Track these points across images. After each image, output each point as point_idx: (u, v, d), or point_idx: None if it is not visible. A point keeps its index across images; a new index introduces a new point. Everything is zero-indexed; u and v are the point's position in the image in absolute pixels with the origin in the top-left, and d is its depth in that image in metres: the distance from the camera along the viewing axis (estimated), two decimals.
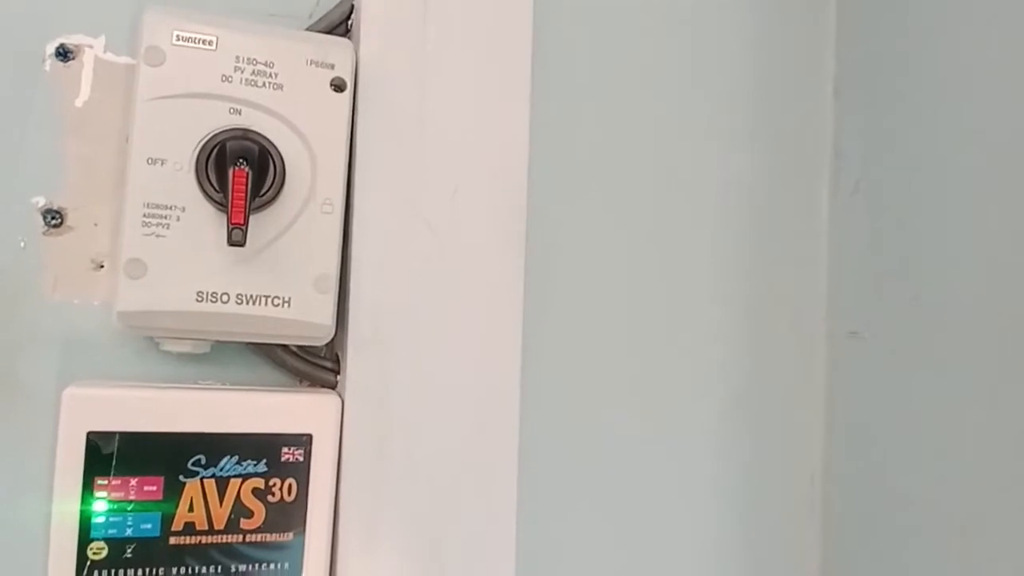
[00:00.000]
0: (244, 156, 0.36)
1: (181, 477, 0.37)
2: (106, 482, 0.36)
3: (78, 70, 0.40)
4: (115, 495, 0.36)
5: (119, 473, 0.36)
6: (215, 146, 0.36)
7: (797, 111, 0.53)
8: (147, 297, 0.36)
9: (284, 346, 0.41)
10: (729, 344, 0.51)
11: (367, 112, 0.41)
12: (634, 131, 0.50)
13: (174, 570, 0.37)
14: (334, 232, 0.39)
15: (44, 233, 0.40)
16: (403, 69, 0.42)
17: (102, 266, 0.40)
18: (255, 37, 0.38)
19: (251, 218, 0.36)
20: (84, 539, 0.36)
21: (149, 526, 0.36)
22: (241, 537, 0.38)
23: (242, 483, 0.38)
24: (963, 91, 0.45)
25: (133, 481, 0.36)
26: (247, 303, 0.37)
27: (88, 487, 0.36)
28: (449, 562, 0.41)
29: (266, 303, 0.37)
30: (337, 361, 0.42)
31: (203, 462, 0.37)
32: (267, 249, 0.38)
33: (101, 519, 0.36)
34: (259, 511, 0.38)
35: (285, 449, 0.39)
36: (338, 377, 0.42)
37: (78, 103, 0.40)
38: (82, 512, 0.36)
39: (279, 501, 0.38)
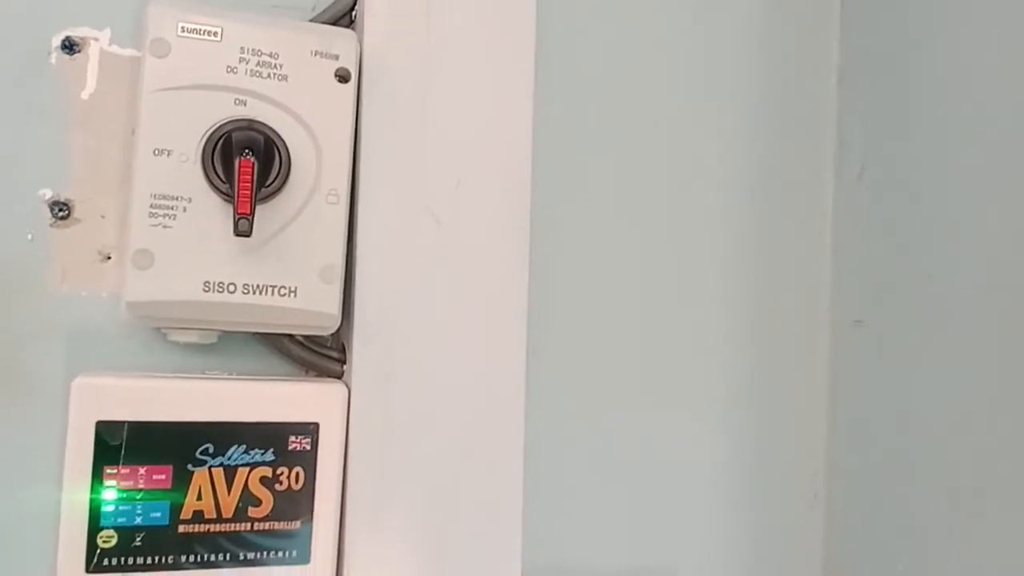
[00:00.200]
0: (250, 147, 0.36)
1: (189, 466, 0.37)
2: (115, 471, 0.36)
3: (84, 63, 0.41)
4: (124, 484, 0.36)
5: (128, 462, 0.36)
6: (221, 137, 0.37)
7: (801, 99, 0.53)
8: (155, 287, 0.36)
9: (290, 336, 0.42)
10: (733, 333, 0.51)
11: (371, 103, 0.41)
12: (637, 121, 0.50)
13: (183, 558, 0.37)
14: (339, 222, 0.39)
15: (51, 225, 0.40)
16: (407, 60, 0.42)
17: (109, 258, 0.40)
18: (260, 28, 0.38)
19: (257, 208, 0.36)
20: (94, 527, 0.36)
21: (158, 514, 0.37)
22: (249, 525, 0.38)
23: (250, 472, 0.38)
24: (967, 78, 0.45)
25: (142, 470, 0.37)
26: (254, 293, 0.37)
27: (98, 476, 0.36)
28: (455, 549, 0.41)
29: (272, 293, 0.38)
30: (343, 351, 0.42)
31: (211, 451, 0.38)
32: (273, 239, 0.38)
33: (111, 507, 0.36)
34: (267, 499, 0.38)
35: (292, 438, 0.39)
36: (344, 367, 0.42)
37: (84, 95, 0.41)
38: (92, 501, 0.36)
39: (287, 489, 0.39)
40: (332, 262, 0.39)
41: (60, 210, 0.40)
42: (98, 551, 0.36)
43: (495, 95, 0.44)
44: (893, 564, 0.47)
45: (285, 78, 0.38)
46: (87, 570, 0.36)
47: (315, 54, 0.39)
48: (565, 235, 0.48)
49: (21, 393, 0.39)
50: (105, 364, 0.40)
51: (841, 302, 0.52)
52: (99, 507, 0.36)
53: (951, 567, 0.43)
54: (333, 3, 0.43)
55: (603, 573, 0.48)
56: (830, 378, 0.52)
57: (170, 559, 0.37)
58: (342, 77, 0.39)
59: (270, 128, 0.37)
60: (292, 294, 0.38)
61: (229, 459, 0.38)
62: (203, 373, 0.41)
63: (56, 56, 0.40)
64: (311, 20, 0.42)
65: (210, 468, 0.37)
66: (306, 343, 0.42)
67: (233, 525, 0.38)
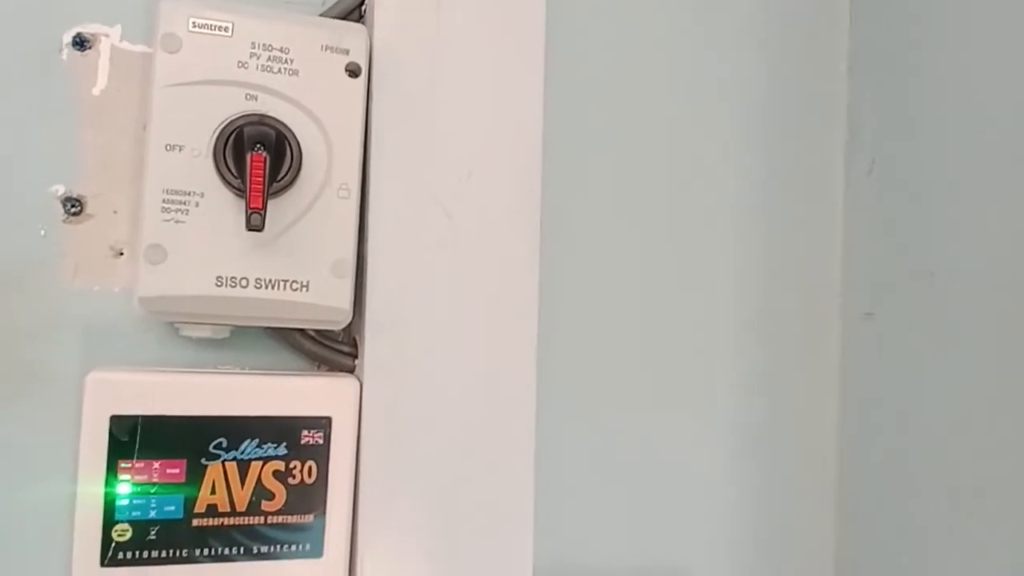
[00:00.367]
0: (261, 141, 0.36)
1: (203, 460, 0.37)
2: (130, 465, 0.36)
3: (95, 59, 0.41)
4: (139, 478, 0.37)
5: (142, 456, 0.37)
6: (232, 132, 0.37)
7: (811, 93, 0.53)
8: (167, 282, 0.36)
9: (302, 331, 0.42)
10: (743, 326, 0.51)
11: (381, 97, 0.41)
12: (645, 116, 0.50)
13: (197, 551, 0.37)
14: (351, 217, 0.39)
15: (64, 221, 0.40)
16: (417, 54, 0.42)
17: (122, 253, 0.41)
18: (270, 23, 0.38)
19: (269, 203, 0.36)
20: (109, 521, 0.36)
21: (172, 508, 0.37)
22: (263, 519, 0.38)
23: (263, 466, 0.38)
24: (978, 72, 0.45)
25: (156, 464, 0.37)
26: (266, 287, 0.37)
27: (112, 470, 0.36)
28: (467, 542, 0.41)
29: (285, 287, 0.38)
30: (354, 345, 0.43)
31: (224, 445, 0.38)
32: (285, 234, 0.38)
33: (125, 501, 0.36)
34: (280, 493, 0.38)
35: (305, 432, 0.39)
36: (355, 361, 0.42)
37: (95, 92, 0.41)
38: (106, 495, 0.36)
39: (299, 483, 0.39)
40: (343, 256, 0.39)
41: (72, 206, 0.40)
42: (113, 544, 0.36)
43: (505, 88, 0.44)
44: (905, 555, 0.47)
45: (296, 73, 0.38)
46: (102, 563, 0.36)
47: (325, 49, 0.39)
48: (571, 230, 0.48)
49: (34, 387, 0.39)
50: (117, 359, 0.40)
51: (851, 295, 0.52)
52: (114, 501, 0.36)
53: (963, 558, 0.43)
54: None
55: (613, 567, 0.48)
56: (840, 370, 0.52)
57: (184, 552, 0.37)
58: (352, 72, 0.39)
59: (281, 123, 0.37)
60: (304, 288, 0.38)
61: (242, 453, 0.38)
62: (215, 368, 0.41)
63: (67, 52, 0.40)
64: (321, 15, 0.42)
65: (223, 462, 0.38)
66: (318, 337, 0.42)
67: (247, 519, 0.38)
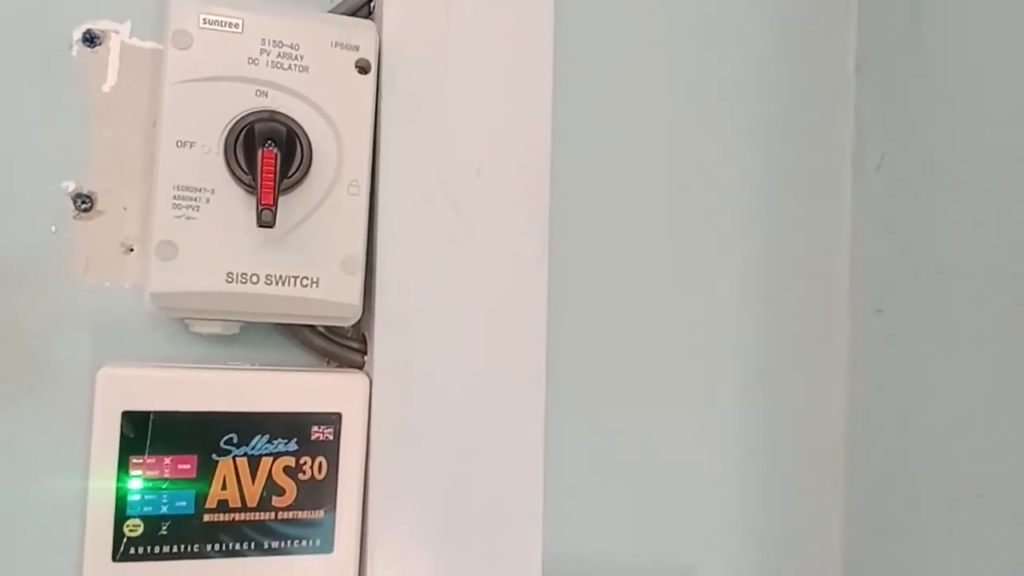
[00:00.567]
0: (272, 138, 0.36)
1: (214, 456, 0.38)
2: (141, 460, 0.37)
3: (105, 55, 0.41)
4: (150, 473, 0.37)
5: (153, 452, 0.37)
6: (243, 128, 0.37)
7: (819, 88, 0.53)
8: (178, 278, 0.37)
9: (311, 327, 0.42)
10: (753, 321, 0.51)
11: (391, 93, 0.41)
12: (653, 112, 0.50)
13: (208, 547, 0.37)
14: (360, 213, 0.39)
15: (74, 217, 0.40)
16: (426, 50, 0.42)
17: (132, 249, 0.41)
18: (280, 19, 0.38)
19: (279, 199, 0.36)
20: (120, 516, 0.36)
21: (184, 503, 0.37)
22: (273, 514, 0.38)
23: (273, 461, 0.38)
24: (987, 66, 0.45)
25: (167, 459, 0.37)
26: (276, 283, 0.38)
27: (124, 466, 0.36)
28: (477, 538, 0.42)
29: (295, 283, 0.38)
30: (364, 341, 0.43)
31: (235, 441, 0.38)
32: (295, 230, 0.38)
33: (137, 497, 0.36)
34: (290, 489, 0.39)
35: (315, 428, 0.39)
36: (365, 357, 0.42)
37: (105, 88, 0.41)
38: (118, 490, 0.36)
39: (310, 479, 0.39)
40: (353, 252, 0.39)
41: (83, 202, 0.40)
42: (125, 540, 0.36)
43: (514, 84, 0.44)
44: (914, 550, 0.47)
45: (306, 69, 0.38)
46: (114, 559, 0.36)
47: (335, 45, 0.39)
48: (574, 230, 0.48)
49: (44, 384, 0.39)
50: (128, 355, 0.40)
51: (861, 291, 0.52)
52: (125, 496, 0.36)
53: (974, 552, 0.43)
54: None
55: (622, 563, 0.48)
56: (850, 366, 0.52)
57: (196, 548, 0.37)
58: (362, 68, 0.39)
59: (292, 119, 0.37)
60: (314, 284, 0.38)
61: (253, 449, 0.38)
62: (225, 364, 0.41)
63: (77, 49, 0.40)
64: (330, 11, 0.42)
65: (234, 458, 0.38)
66: (327, 334, 0.42)
67: (257, 514, 0.38)
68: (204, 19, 0.37)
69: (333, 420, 0.39)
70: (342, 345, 0.42)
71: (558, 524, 0.46)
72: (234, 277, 0.37)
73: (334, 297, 0.39)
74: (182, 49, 0.37)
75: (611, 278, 0.49)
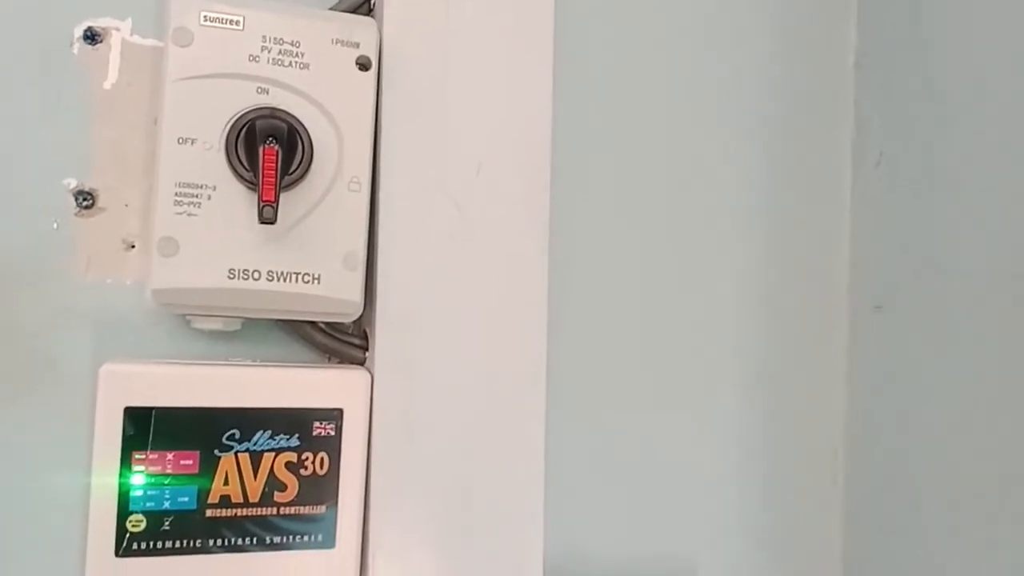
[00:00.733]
0: (273, 135, 0.36)
1: (216, 451, 0.38)
2: (144, 456, 0.37)
3: (106, 53, 0.41)
4: (152, 469, 0.37)
5: (156, 447, 0.37)
6: (244, 125, 0.37)
7: (818, 83, 0.53)
8: (180, 275, 0.37)
9: (312, 323, 0.42)
10: (753, 319, 0.51)
11: (391, 90, 0.41)
12: (652, 109, 0.50)
13: (211, 542, 0.37)
14: (361, 210, 0.39)
15: (76, 214, 0.40)
16: (426, 47, 0.42)
17: (133, 246, 0.41)
18: (281, 17, 0.38)
19: (280, 196, 0.36)
20: (123, 512, 0.36)
21: (186, 499, 0.37)
22: (275, 510, 0.38)
23: (275, 457, 0.38)
24: (987, 63, 0.45)
25: (170, 455, 0.37)
26: (278, 280, 0.38)
27: (126, 461, 0.37)
28: (479, 531, 0.42)
29: (296, 280, 0.38)
30: (365, 337, 0.43)
31: (237, 437, 0.38)
32: (296, 227, 0.38)
33: (139, 492, 0.37)
34: (292, 484, 0.39)
35: (317, 424, 0.39)
36: (366, 354, 0.42)
37: (106, 85, 0.41)
38: (121, 485, 0.36)
39: (311, 474, 0.39)
40: (354, 249, 0.39)
41: (84, 199, 0.40)
42: (127, 535, 0.37)
43: (514, 81, 0.44)
44: (915, 548, 0.47)
45: (307, 66, 0.38)
46: (117, 554, 0.36)
47: (336, 42, 0.39)
48: (573, 229, 0.48)
49: (46, 380, 0.40)
50: (129, 351, 0.40)
51: (860, 288, 0.52)
52: (128, 492, 0.37)
53: (974, 550, 0.44)
54: None
55: (622, 558, 0.48)
56: (849, 363, 0.52)
57: (198, 543, 0.37)
58: (363, 65, 0.39)
59: (292, 116, 0.38)
60: (315, 281, 0.38)
61: (255, 444, 0.38)
62: (226, 360, 0.41)
63: (78, 46, 0.41)
64: (330, 8, 0.43)
65: (236, 453, 0.38)
66: (328, 330, 0.42)
67: (259, 509, 0.38)
68: (205, 16, 0.37)
69: (335, 416, 0.40)
70: (343, 341, 0.42)
71: (559, 523, 0.46)
72: (236, 273, 0.37)
73: (335, 293, 0.39)
74: (183, 46, 0.37)
75: (611, 277, 0.49)
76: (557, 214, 0.46)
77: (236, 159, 0.37)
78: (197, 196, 0.37)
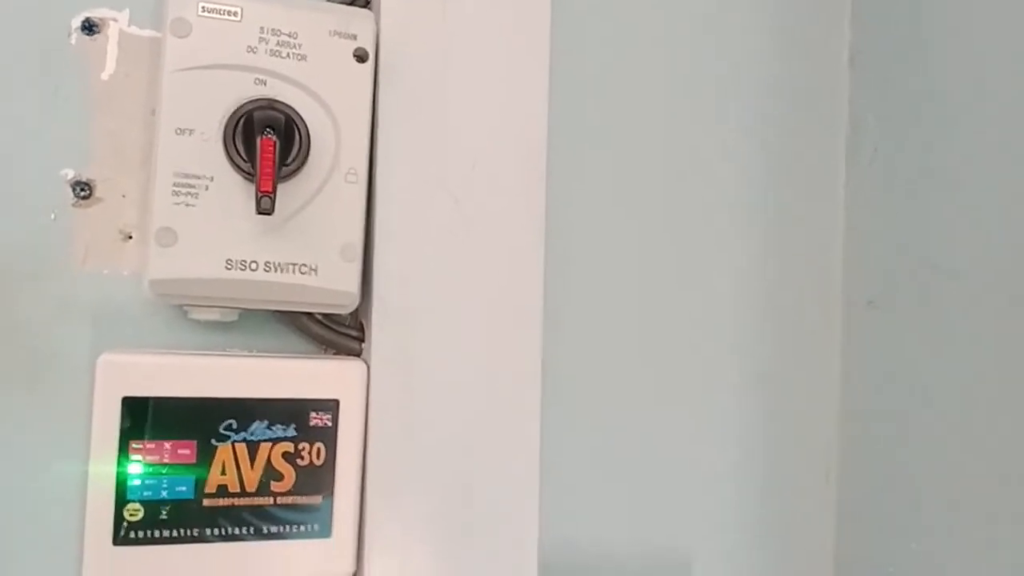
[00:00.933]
0: (271, 126, 0.37)
1: (213, 441, 0.38)
2: (141, 446, 0.37)
3: (103, 43, 0.41)
4: (150, 458, 0.37)
5: (153, 437, 0.37)
6: (242, 116, 0.37)
7: (813, 79, 0.54)
8: (178, 265, 0.37)
9: (309, 315, 0.42)
10: (747, 314, 0.52)
11: (389, 82, 0.41)
12: (647, 106, 0.50)
13: (208, 531, 0.38)
14: (359, 201, 0.40)
15: (74, 205, 0.40)
16: (424, 39, 0.42)
17: (131, 237, 0.41)
18: (279, 8, 0.38)
19: (278, 187, 0.36)
20: (121, 501, 0.37)
21: (183, 488, 0.37)
22: (272, 499, 0.39)
23: (272, 447, 0.39)
24: (981, 59, 0.45)
25: (167, 445, 0.37)
26: (275, 271, 0.38)
27: (124, 451, 0.37)
28: (475, 523, 0.42)
29: (294, 271, 0.38)
30: (361, 329, 0.43)
31: (234, 427, 0.38)
32: (294, 218, 0.38)
33: (137, 481, 0.37)
34: (289, 474, 0.39)
35: (313, 414, 0.39)
36: (362, 345, 0.43)
37: (104, 76, 0.41)
38: (118, 475, 0.37)
39: (308, 465, 0.39)
40: (352, 240, 0.39)
41: (82, 190, 0.40)
42: (125, 524, 0.37)
43: (511, 74, 0.44)
44: (906, 544, 0.47)
45: (304, 58, 0.39)
46: (114, 543, 0.37)
47: (333, 34, 0.39)
48: (577, 220, 0.48)
49: (44, 371, 0.40)
50: (126, 342, 0.40)
51: (854, 283, 0.52)
52: (125, 481, 0.37)
53: (965, 547, 0.44)
54: None
55: (616, 552, 0.49)
56: (843, 358, 0.53)
57: (195, 532, 0.37)
58: (360, 57, 0.40)
59: (290, 107, 0.38)
60: (313, 272, 0.38)
61: (252, 434, 0.38)
62: (224, 351, 0.41)
63: (76, 37, 0.41)
64: (328, 0, 0.43)
65: (233, 443, 0.38)
66: (325, 321, 0.42)
67: (256, 499, 0.38)
68: (203, 7, 0.37)
69: (331, 407, 0.40)
70: (340, 333, 0.43)
71: (556, 518, 0.46)
72: (233, 264, 0.37)
73: (332, 285, 0.39)
74: (181, 37, 0.37)
75: (609, 273, 0.49)
76: (555, 211, 0.46)
77: (234, 150, 0.37)
78: (195, 187, 0.37)
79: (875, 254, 0.51)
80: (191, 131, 0.37)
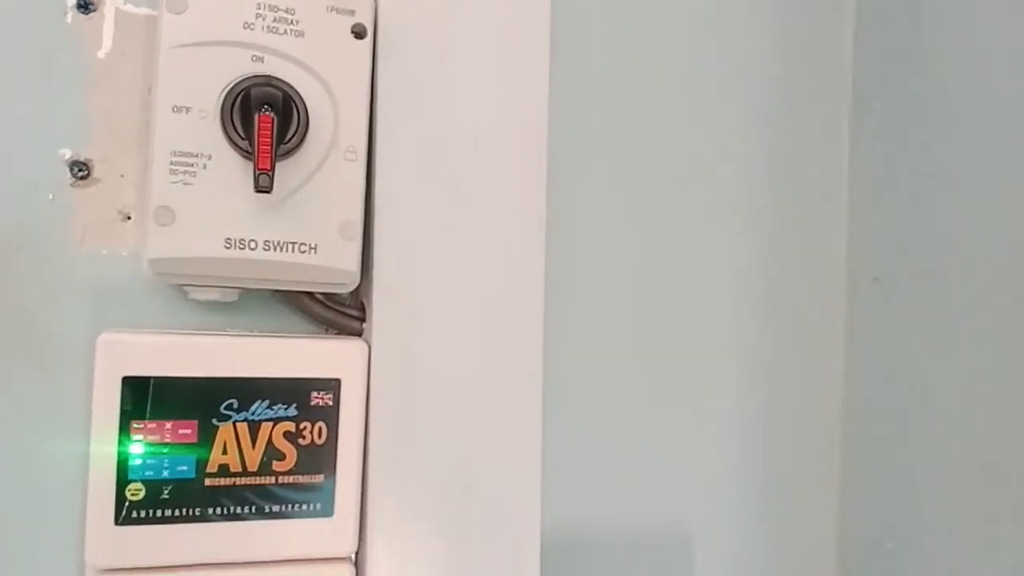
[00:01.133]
0: (269, 103, 0.36)
1: (214, 421, 0.38)
2: (142, 426, 0.37)
3: (99, 22, 0.41)
4: (151, 438, 0.37)
5: (154, 417, 0.37)
6: (239, 93, 0.37)
7: (816, 56, 0.53)
8: (176, 244, 0.37)
9: (310, 294, 0.42)
10: (752, 289, 0.51)
11: (387, 59, 0.41)
12: (652, 87, 0.50)
13: (210, 510, 0.38)
14: (358, 179, 0.39)
15: (72, 185, 0.40)
16: (423, 15, 0.42)
17: (129, 217, 0.41)
18: None
19: (276, 165, 0.36)
20: (122, 480, 0.37)
21: (185, 468, 0.37)
22: (274, 479, 0.39)
23: (273, 426, 0.39)
24: (987, 38, 0.44)
25: (168, 424, 0.37)
26: (274, 249, 0.38)
27: (125, 430, 0.37)
28: (477, 501, 0.42)
29: (293, 249, 0.38)
30: (362, 309, 0.43)
31: (235, 406, 0.38)
32: (292, 196, 0.38)
33: (138, 461, 0.37)
34: (291, 454, 0.39)
35: (315, 394, 0.39)
36: (363, 325, 0.42)
37: (100, 55, 0.41)
38: (120, 454, 0.37)
39: (310, 444, 0.39)
40: (351, 218, 0.39)
41: (80, 170, 0.40)
42: (127, 504, 0.37)
43: (511, 51, 0.43)
44: (909, 520, 0.47)
45: (302, 34, 0.38)
46: (116, 522, 0.37)
47: (331, 10, 0.39)
48: (577, 203, 0.48)
49: (44, 351, 0.40)
50: (126, 322, 0.40)
51: (859, 260, 0.52)
52: (127, 461, 0.37)
53: (969, 523, 0.44)
54: None
55: (618, 525, 0.48)
56: (848, 335, 0.52)
57: (197, 511, 0.37)
58: (358, 33, 0.39)
59: (288, 84, 0.37)
60: (312, 251, 0.38)
61: (253, 414, 0.38)
62: (224, 331, 0.41)
63: (72, 15, 0.40)
64: None
65: (234, 423, 0.38)
66: (326, 301, 0.42)
67: (258, 478, 0.38)
68: None
69: (332, 386, 0.40)
70: (341, 312, 0.42)
71: (558, 485, 0.46)
72: (232, 243, 0.37)
73: (332, 263, 0.39)
74: (177, 14, 0.37)
75: (610, 272, 0.48)
76: (557, 212, 0.46)
77: (231, 127, 0.37)
78: (193, 165, 0.37)
79: (880, 230, 0.50)
80: (188, 109, 0.37)
